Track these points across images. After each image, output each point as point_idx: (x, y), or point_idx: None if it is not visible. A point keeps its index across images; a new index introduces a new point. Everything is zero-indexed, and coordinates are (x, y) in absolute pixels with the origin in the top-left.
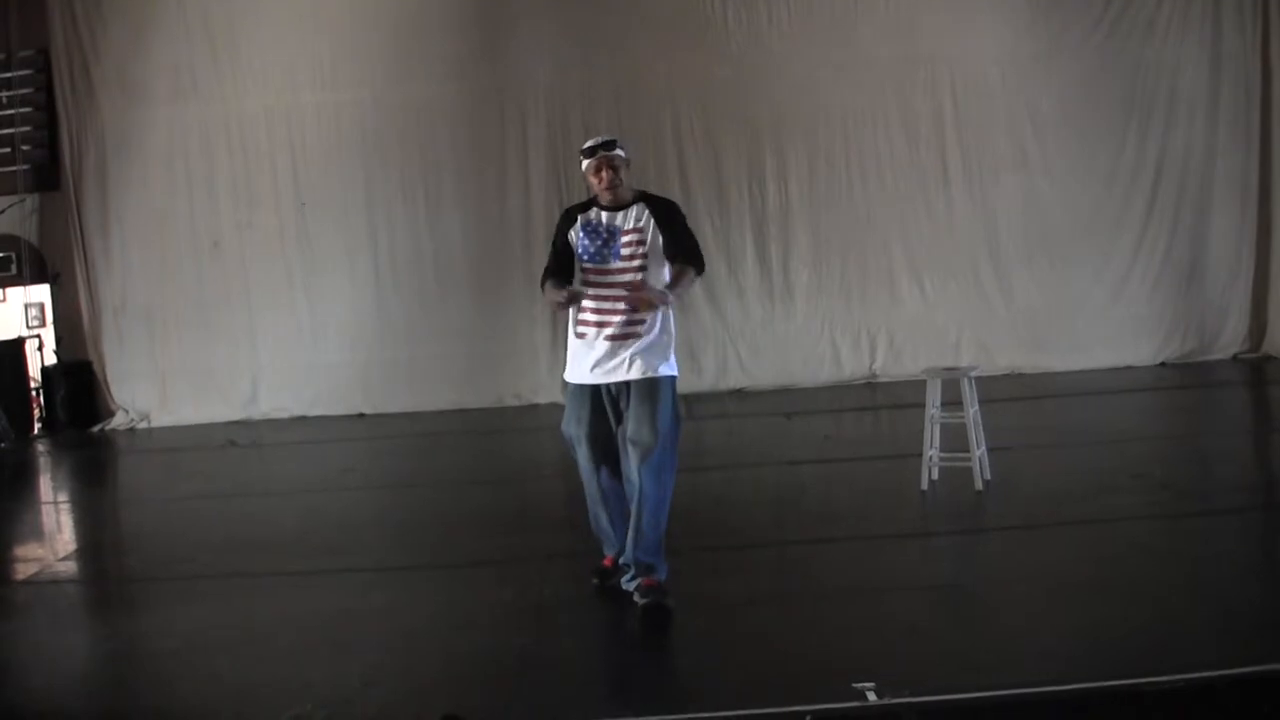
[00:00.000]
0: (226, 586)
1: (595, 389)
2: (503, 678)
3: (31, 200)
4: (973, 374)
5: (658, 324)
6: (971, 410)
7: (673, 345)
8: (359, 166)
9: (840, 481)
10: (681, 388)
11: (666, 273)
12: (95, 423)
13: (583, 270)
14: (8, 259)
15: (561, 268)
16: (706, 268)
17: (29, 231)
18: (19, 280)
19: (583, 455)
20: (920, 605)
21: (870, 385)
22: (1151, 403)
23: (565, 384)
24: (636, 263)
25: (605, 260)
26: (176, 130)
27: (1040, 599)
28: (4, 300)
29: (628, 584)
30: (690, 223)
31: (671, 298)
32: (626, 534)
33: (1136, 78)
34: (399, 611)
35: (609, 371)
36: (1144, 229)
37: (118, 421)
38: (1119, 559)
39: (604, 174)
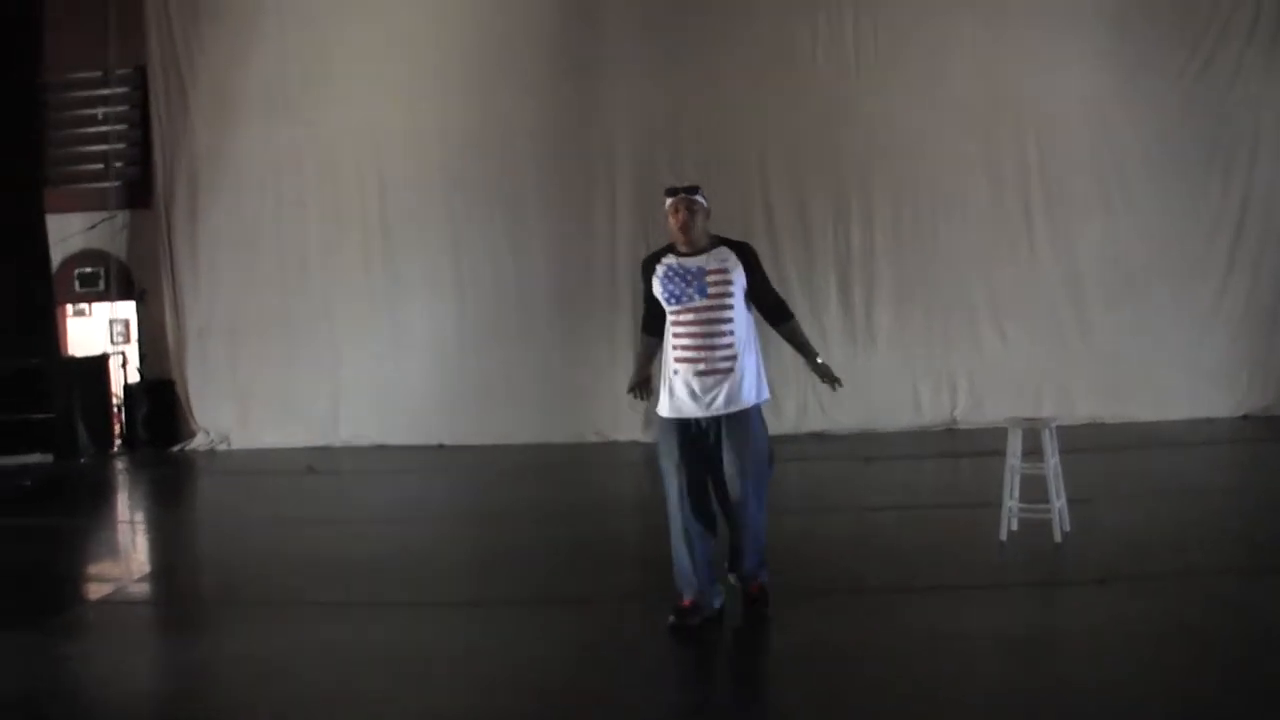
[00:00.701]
0: (300, 614)
1: (686, 423)
2: (572, 716)
3: (122, 217)
4: (1053, 424)
5: (744, 357)
6: (1052, 461)
7: (761, 372)
8: (445, 192)
9: (919, 529)
10: None
11: (748, 311)
12: (175, 442)
13: (671, 315)
14: (96, 274)
15: (654, 317)
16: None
17: (118, 248)
18: (106, 296)
19: (673, 489)
20: (999, 656)
21: (950, 431)
22: (1233, 456)
23: (657, 418)
24: (723, 300)
25: (691, 299)
26: (268, 151)
27: (1118, 652)
28: (90, 315)
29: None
30: (773, 263)
31: (832, 374)
32: (706, 575)
33: (1220, 122)
34: (475, 648)
35: (704, 407)
36: (1227, 275)
37: (198, 442)
38: (1198, 614)
39: (680, 214)
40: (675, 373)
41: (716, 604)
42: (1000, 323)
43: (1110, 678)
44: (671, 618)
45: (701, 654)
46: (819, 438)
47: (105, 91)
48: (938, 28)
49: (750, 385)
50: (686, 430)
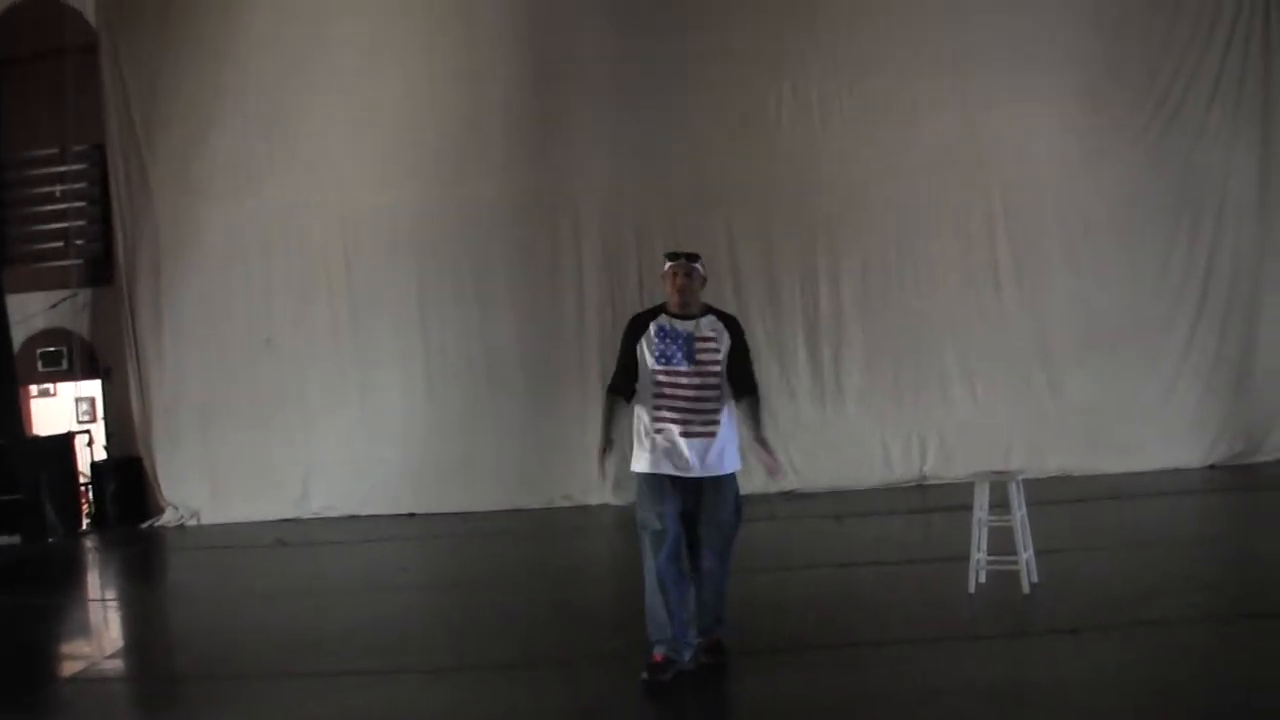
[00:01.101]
0: (276, 687)
1: (668, 480)
2: None
3: (84, 295)
4: (1020, 477)
5: (724, 423)
6: (1019, 514)
7: (737, 440)
8: (412, 264)
9: (889, 584)
10: None
11: (728, 391)
12: (145, 519)
13: (654, 374)
14: (59, 353)
15: (629, 379)
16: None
17: (81, 326)
18: (70, 375)
19: (650, 542)
20: (972, 707)
21: (921, 487)
22: (1201, 506)
23: (635, 476)
24: (710, 369)
25: (680, 364)
26: (232, 227)
27: (1088, 701)
28: (55, 395)
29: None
30: (743, 322)
31: (771, 450)
32: (681, 625)
33: (1186, 179)
34: (452, 713)
35: (685, 467)
36: (1193, 331)
37: (167, 518)
38: (1167, 663)
39: (679, 279)
40: (658, 431)
41: (687, 657)
42: (970, 379)
43: None
44: (644, 674)
45: (681, 713)
46: (789, 496)
47: (63, 169)
48: (904, 90)
49: (731, 452)
50: (665, 487)
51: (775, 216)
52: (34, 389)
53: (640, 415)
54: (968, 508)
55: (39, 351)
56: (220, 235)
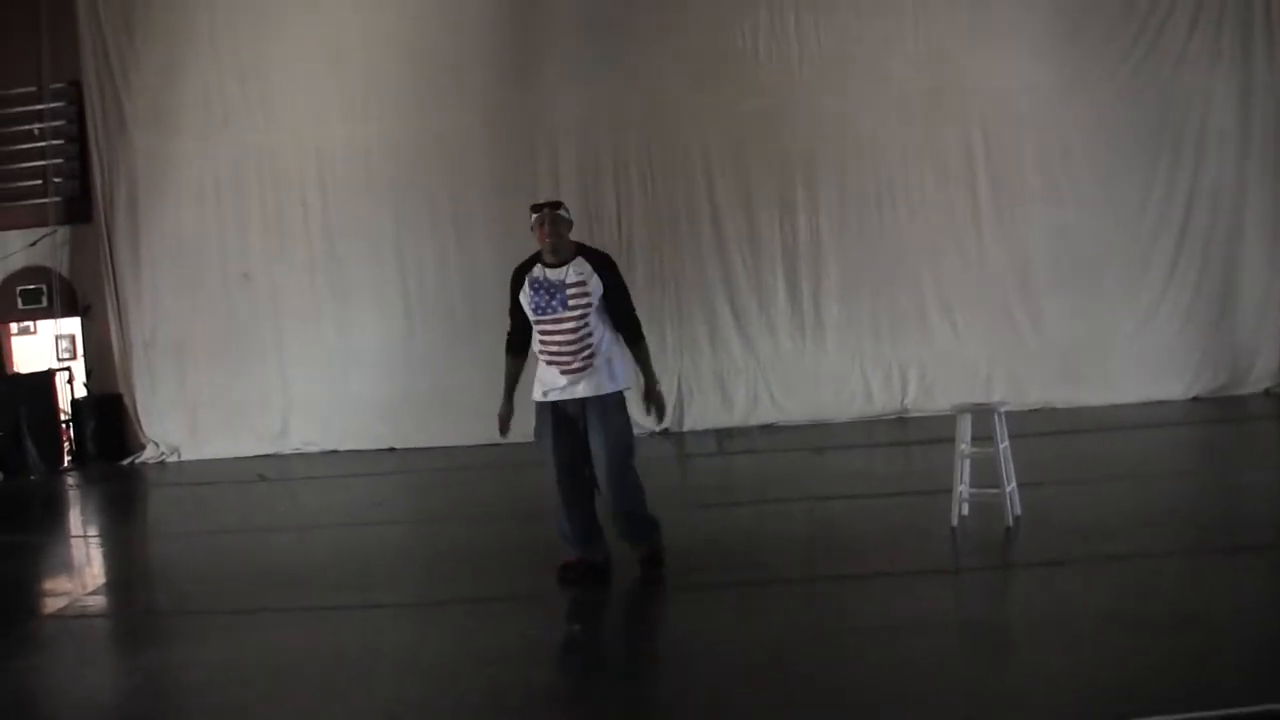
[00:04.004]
0: (253, 621)
1: (556, 405)
2: (527, 713)
3: (62, 233)
4: (1003, 409)
5: (601, 354)
6: (1001, 446)
7: (621, 364)
8: (389, 198)
9: (871, 517)
10: (714, 421)
11: (604, 320)
12: (125, 456)
13: (535, 324)
14: (38, 291)
15: (521, 333)
16: (733, 302)
17: (60, 264)
18: (50, 313)
19: (551, 467)
20: (951, 641)
21: (901, 420)
22: (1183, 438)
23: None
24: (580, 311)
25: (555, 311)
26: (208, 163)
27: (1068, 635)
28: (35, 333)
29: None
30: (720, 258)
31: (658, 384)
32: (587, 535)
33: (1166, 110)
34: (424, 647)
35: (567, 391)
36: (1174, 261)
37: (148, 455)
38: (1148, 595)
39: (546, 229)
40: (547, 363)
41: (600, 558)
42: (950, 312)
43: (1060, 661)
44: (558, 576)
45: (653, 647)
46: (769, 429)
47: (40, 107)
48: (880, 21)
49: (609, 374)
50: (558, 413)
51: (752, 149)
52: (14, 327)
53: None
54: (949, 440)
55: (19, 289)
56: (196, 171)
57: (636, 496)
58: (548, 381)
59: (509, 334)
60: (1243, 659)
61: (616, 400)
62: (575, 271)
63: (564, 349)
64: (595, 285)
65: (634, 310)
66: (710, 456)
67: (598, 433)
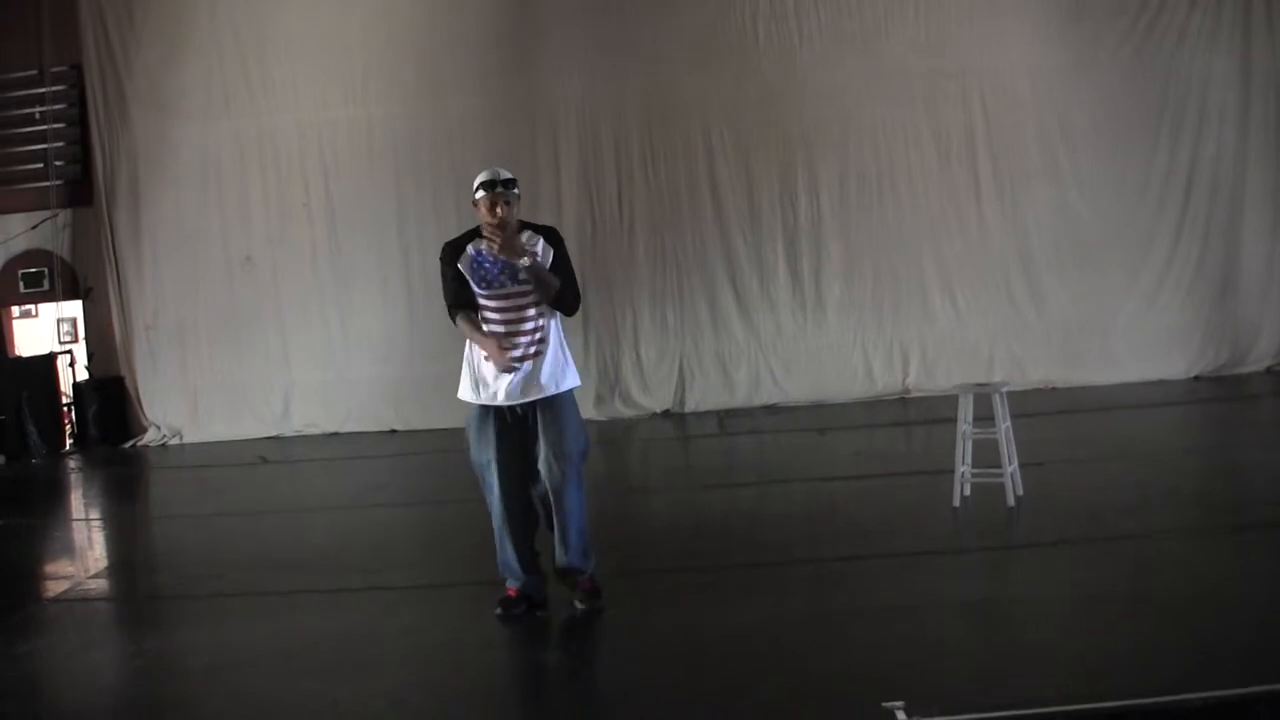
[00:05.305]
0: (256, 604)
1: (500, 410)
2: (530, 696)
3: (64, 216)
4: (1004, 389)
5: (554, 342)
6: (1003, 426)
7: (569, 358)
8: (391, 181)
9: (873, 498)
10: (715, 403)
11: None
12: (127, 439)
13: (482, 300)
14: (40, 274)
15: (467, 298)
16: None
17: (61, 247)
18: (51, 296)
19: (491, 480)
20: (952, 622)
21: (903, 400)
22: (1185, 417)
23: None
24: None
25: (503, 285)
26: (209, 146)
27: (1072, 615)
28: (36, 316)
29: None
30: (721, 237)
31: (535, 264)
32: (529, 562)
33: (1167, 88)
34: (427, 630)
35: (516, 393)
36: (1176, 240)
37: (150, 437)
38: (1151, 575)
39: (499, 209)
40: (485, 358)
41: (541, 591)
42: (951, 291)
43: (1063, 641)
44: (498, 609)
45: (655, 628)
46: (771, 410)
47: (41, 90)
48: (881, 1)
49: (560, 370)
50: (501, 418)
51: (754, 129)
52: (16, 310)
53: (469, 344)
54: (951, 420)
55: (20, 272)
56: (197, 154)
57: (585, 512)
58: (490, 381)
59: (452, 300)
60: (1247, 638)
61: (571, 399)
62: (528, 242)
63: (510, 330)
64: (547, 257)
65: (576, 287)
66: (712, 437)
67: (552, 435)
